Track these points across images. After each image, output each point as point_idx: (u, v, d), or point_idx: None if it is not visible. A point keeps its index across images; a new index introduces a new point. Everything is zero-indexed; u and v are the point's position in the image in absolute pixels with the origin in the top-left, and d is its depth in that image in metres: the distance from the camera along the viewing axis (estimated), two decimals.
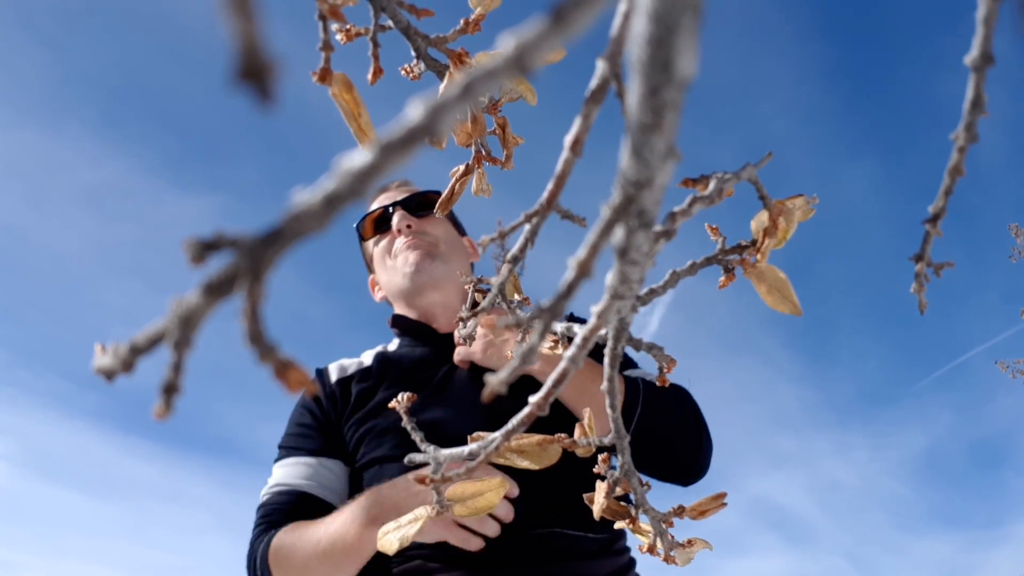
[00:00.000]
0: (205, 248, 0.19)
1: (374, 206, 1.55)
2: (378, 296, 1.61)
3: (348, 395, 1.41)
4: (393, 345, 1.52)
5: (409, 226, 1.45)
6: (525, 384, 1.00)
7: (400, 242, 1.46)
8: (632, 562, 1.31)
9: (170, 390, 0.21)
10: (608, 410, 0.45)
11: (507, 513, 1.14)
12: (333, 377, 1.45)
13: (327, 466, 1.33)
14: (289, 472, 1.31)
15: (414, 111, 0.18)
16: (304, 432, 1.38)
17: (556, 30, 0.18)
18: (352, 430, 1.35)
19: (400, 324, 1.51)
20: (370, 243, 1.57)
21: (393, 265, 1.48)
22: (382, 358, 1.46)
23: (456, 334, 0.58)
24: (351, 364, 1.48)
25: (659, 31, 0.19)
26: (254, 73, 0.14)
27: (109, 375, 0.23)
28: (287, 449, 1.36)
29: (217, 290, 0.19)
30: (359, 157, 0.18)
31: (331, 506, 1.26)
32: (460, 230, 1.60)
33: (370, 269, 1.62)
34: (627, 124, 0.23)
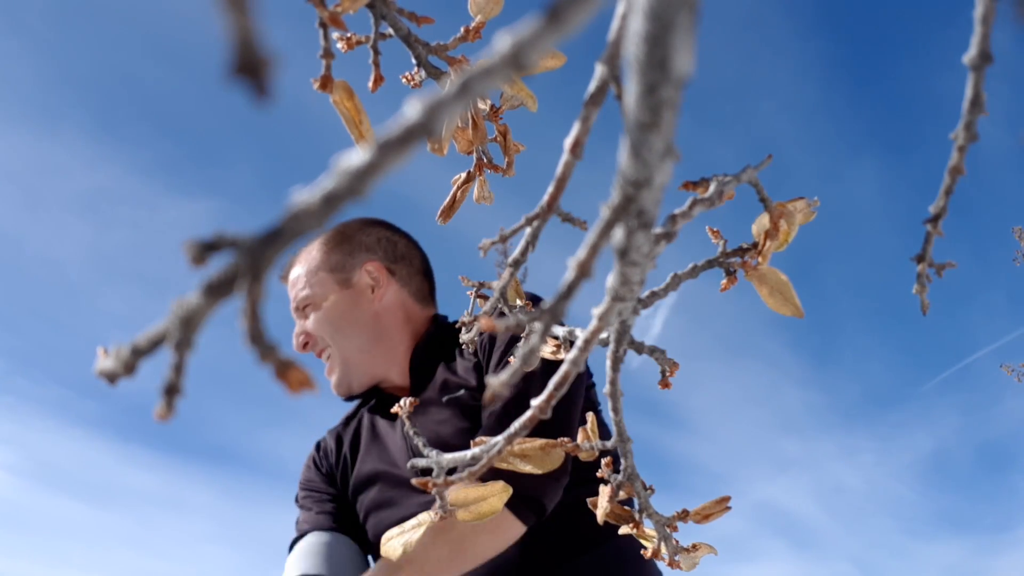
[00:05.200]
0: (205, 249, 0.19)
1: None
2: None
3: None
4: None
5: (305, 344, 1.46)
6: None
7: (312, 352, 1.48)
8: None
9: (171, 391, 0.21)
10: (611, 413, 0.45)
11: None
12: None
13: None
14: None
15: (412, 110, 0.18)
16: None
17: (552, 28, 0.18)
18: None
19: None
20: None
21: None
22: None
23: (461, 337, 0.58)
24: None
25: (655, 29, 0.19)
26: (250, 68, 0.14)
27: (111, 378, 0.23)
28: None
29: (217, 290, 0.19)
30: (357, 156, 0.18)
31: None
32: (348, 268, 1.49)
33: None
34: (625, 123, 0.24)
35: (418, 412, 1.36)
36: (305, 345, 1.46)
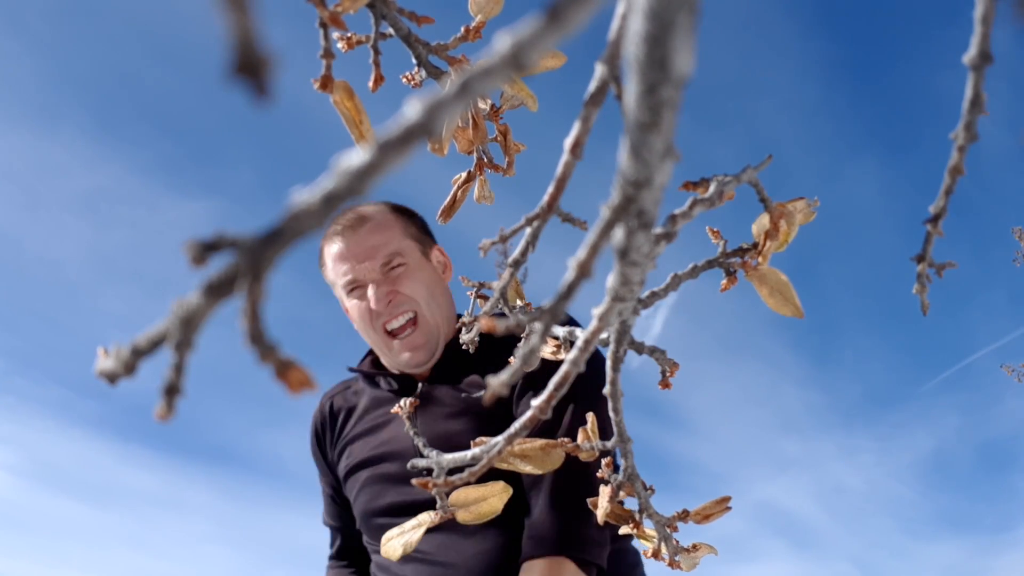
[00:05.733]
0: (206, 249, 0.19)
1: (341, 270, 1.39)
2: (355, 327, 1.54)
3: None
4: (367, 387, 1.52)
5: (390, 302, 1.36)
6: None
7: (380, 320, 1.38)
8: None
9: (172, 391, 0.21)
10: (611, 413, 0.45)
11: None
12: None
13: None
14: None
15: (412, 110, 0.18)
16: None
17: (552, 28, 0.18)
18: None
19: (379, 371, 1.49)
20: (334, 286, 1.45)
21: (376, 339, 1.41)
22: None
23: (461, 337, 0.58)
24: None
25: (655, 29, 0.19)
26: (250, 67, 0.14)
27: (112, 378, 0.23)
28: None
29: (218, 290, 0.19)
30: (357, 156, 0.18)
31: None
32: (425, 244, 1.47)
33: (335, 293, 1.53)
34: (625, 124, 0.24)
35: (428, 406, 1.36)
36: (390, 303, 1.36)
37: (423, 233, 1.48)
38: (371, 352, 1.54)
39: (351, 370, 1.53)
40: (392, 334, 1.38)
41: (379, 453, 1.39)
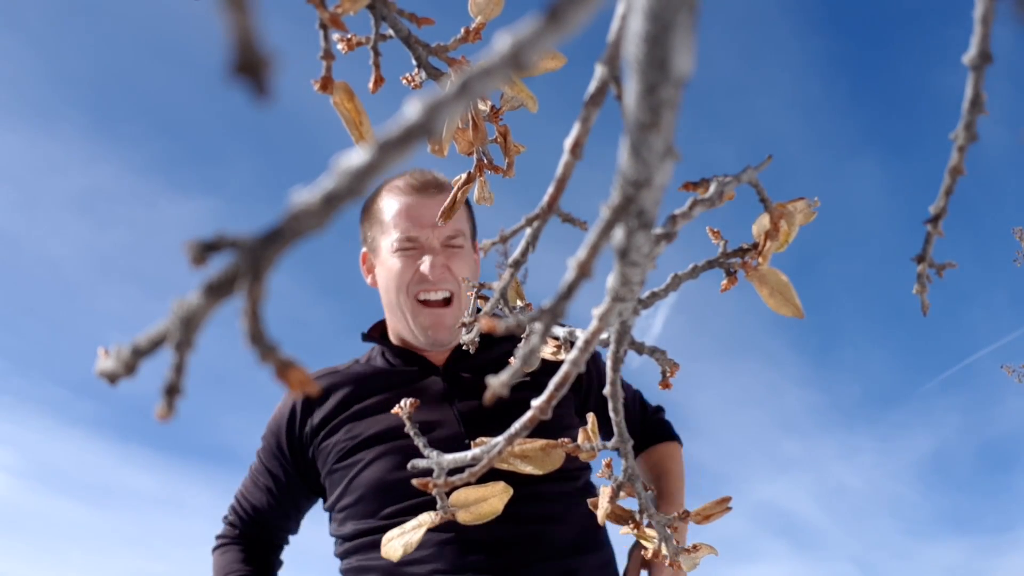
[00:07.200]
0: (206, 249, 0.19)
1: (404, 225, 1.38)
2: (369, 281, 1.51)
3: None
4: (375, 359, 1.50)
5: (442, 275, 1.36)
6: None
7: (422, 285, 1.37)
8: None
9: (172, 391, 0.21)
10: (611, 414, 0.45)
11: None
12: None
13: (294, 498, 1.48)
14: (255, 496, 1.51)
15: (412, 110, 0.18)
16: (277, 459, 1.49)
17: (552, 28, 0.18)
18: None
19: (388, 348, 1.48)
20: (380, 236, 1.43)
21: (406, 302, 1.39)
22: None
23: (462, 338, 0.59)
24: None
25: (655, 29, 0.19)
26: (250, 67, 0.14)
27: (112, 378, 0.23)
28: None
29: (218, 290, 0.19)
30: (357, 156, 0.18)
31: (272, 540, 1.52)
32: (474, 237, 1.51)
33: (365, 244, 1.51)
34: (625, 124, 0.24)
35: (464, 388, 1.39)
36: (441, 275, 1.37)
37: (475, 227, 1.52)
38: (377, 327, 1.52)
39: (366, 339, 1.51)
40: (424, 303, 1.38)
41: (400, 426, 1.37)
